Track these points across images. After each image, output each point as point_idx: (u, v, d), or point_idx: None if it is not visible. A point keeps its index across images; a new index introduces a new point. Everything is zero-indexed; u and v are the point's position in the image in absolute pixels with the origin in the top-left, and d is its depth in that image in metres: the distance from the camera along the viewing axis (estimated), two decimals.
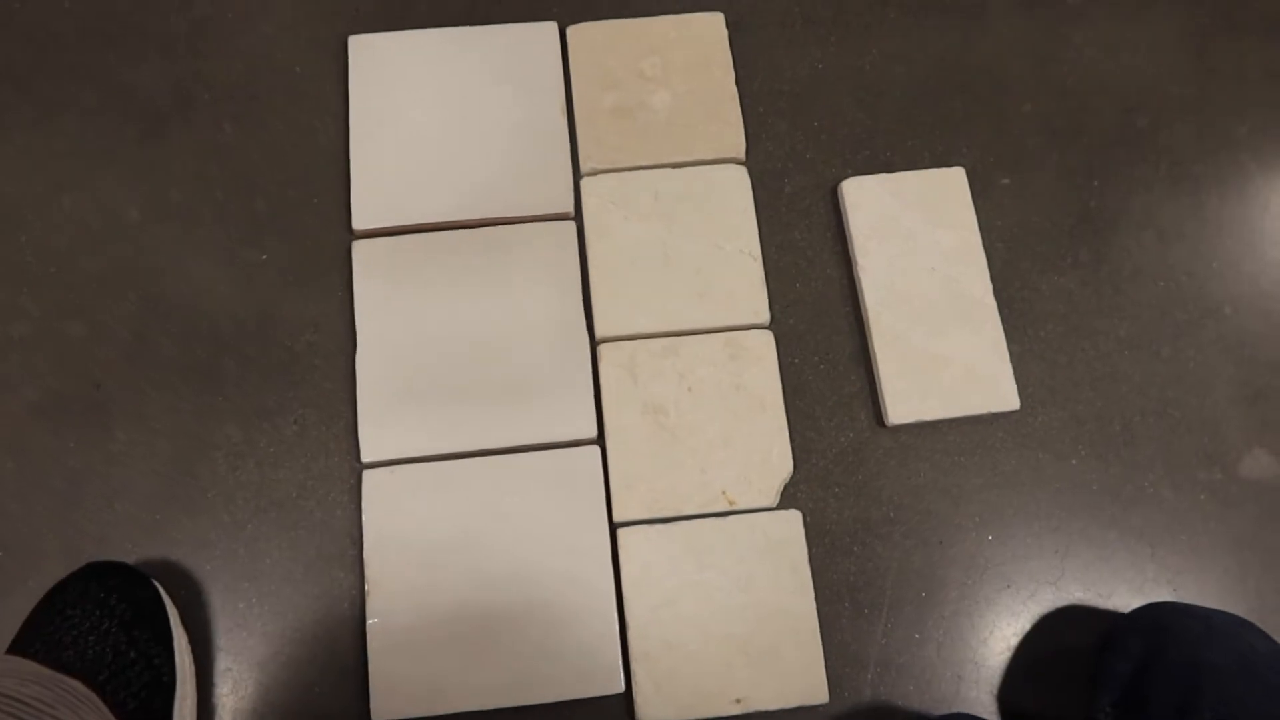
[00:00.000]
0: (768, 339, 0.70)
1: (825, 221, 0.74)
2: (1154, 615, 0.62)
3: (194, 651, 0.63)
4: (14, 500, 0.66)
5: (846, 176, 0.74)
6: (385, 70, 0.74)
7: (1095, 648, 0.65)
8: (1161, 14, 0.81)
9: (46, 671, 0.42)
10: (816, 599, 0.65)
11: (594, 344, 0.70)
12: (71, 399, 0.68)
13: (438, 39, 0.75)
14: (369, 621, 0.63)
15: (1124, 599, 0.67)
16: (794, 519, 0.67)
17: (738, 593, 0.65)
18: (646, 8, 0.78)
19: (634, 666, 0.64)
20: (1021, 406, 0.70)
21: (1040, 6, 0.80)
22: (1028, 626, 0.67)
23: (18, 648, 0.58)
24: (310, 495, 0.67)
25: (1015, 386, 0.70)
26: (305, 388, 0.69)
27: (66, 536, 0.65)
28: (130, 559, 0.63)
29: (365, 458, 0.67)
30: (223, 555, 0.66)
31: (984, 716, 0.65)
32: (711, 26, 0.77)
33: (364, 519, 0.65)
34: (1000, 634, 0.67)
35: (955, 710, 0.65)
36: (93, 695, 0.44)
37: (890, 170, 0.75)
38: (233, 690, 0.63)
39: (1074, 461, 0.70)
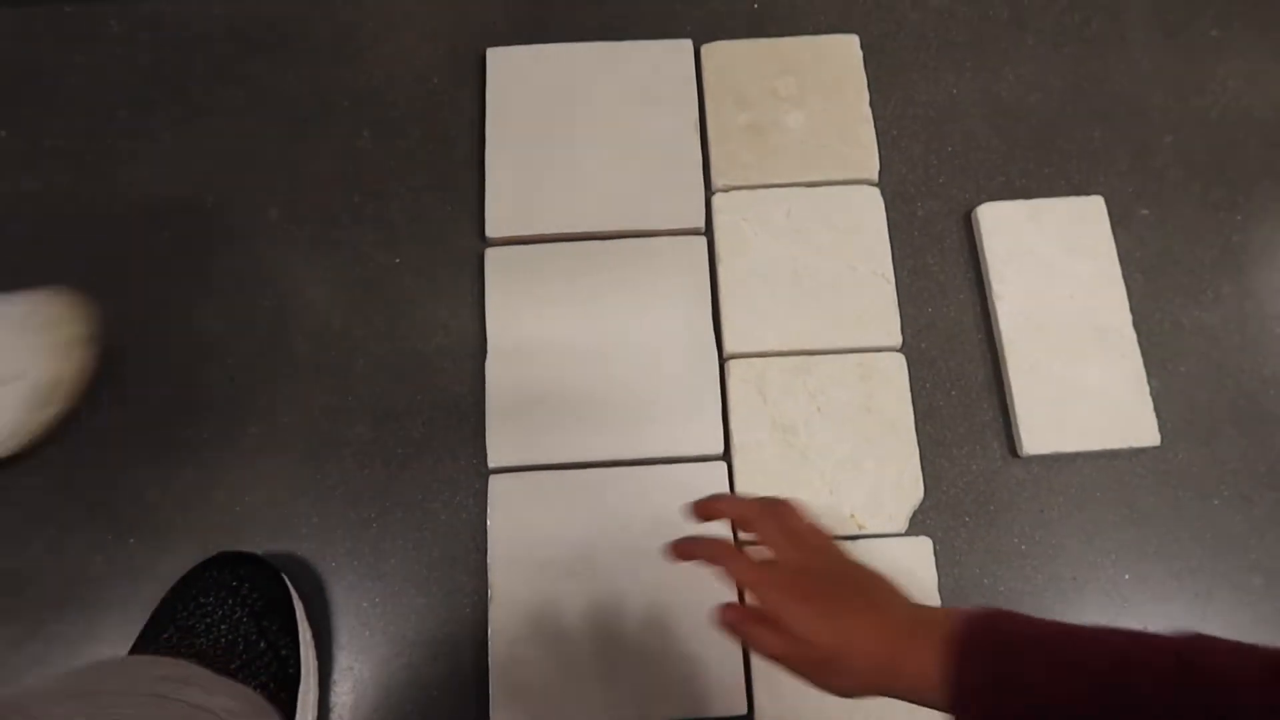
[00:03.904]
0: (900, 362, 0.69)
1: (958, 246, 0.73)
2: None
3: (316, 647, 0.63)
4: (148, 489, 0.67)
5: (980, 202, 0.73)
6: (522, 82, 0.75)
7: None
8: None
9: (220, 679, 0.42)
10: None
11: (723, 360, 0.69)
12: (206, 392, 0.69)
13: (574, 53, 0.76)
14: (490, 630, 0.63)
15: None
16: (924, 546, 0.65)
17: None
18: (779, 28, 0.78)
19: (756, 688, 0.62)
20: (1161, 442, 0.67)
21: (1181, 37, 0.79)
22: None
23: (150, 633, 0.59)
24: (436, 497, 0.67)
25: (1155, 421, 0.68)
26: (434, 390, 0.69)
27: (196, 527, 0.66)
28: (257, 552, 0.64)
29: (492, 463, 0.66)
30: (347, 553, 0.66)
31: None
32: (846, 48, 0.77)
33: (489, 524, 0.65)
34: None
35: None
36: (269, 706, 0.44)
37: (1024, 198, 0.73)
38: (353, 689, 0.63)
39: (1216, 501, 0.68)
